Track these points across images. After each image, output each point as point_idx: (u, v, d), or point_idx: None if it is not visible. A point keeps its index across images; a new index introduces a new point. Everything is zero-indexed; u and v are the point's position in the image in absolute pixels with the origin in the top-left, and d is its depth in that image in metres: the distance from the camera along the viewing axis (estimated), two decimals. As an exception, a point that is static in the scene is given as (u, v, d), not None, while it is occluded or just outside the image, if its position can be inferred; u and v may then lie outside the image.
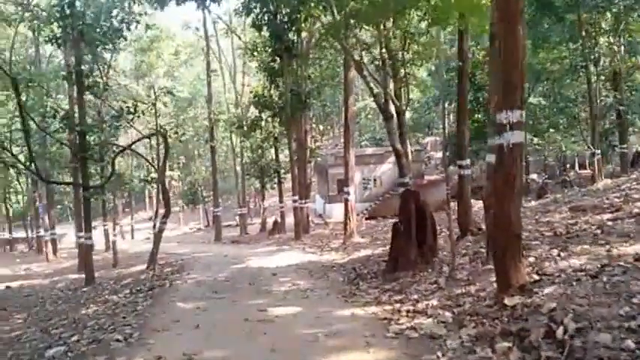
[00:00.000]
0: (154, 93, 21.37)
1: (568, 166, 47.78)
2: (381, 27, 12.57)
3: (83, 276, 17.95)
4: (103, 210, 30.24)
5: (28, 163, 15.87)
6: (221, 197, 47.99)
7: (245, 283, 11.76)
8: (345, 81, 18.74)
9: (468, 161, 13.29)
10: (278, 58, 22.35)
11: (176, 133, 18.90)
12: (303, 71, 23.26)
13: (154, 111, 21.38)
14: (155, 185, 55.52)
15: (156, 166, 19.47)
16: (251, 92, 26.75)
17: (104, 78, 19.91)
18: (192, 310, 8.78)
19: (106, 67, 22.91)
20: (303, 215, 24.60)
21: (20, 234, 49.23)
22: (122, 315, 9.22)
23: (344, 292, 9.29)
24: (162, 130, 17.75)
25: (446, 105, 48.26)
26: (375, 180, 36.94)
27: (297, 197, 23.43)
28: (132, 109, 16.37)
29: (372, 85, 14.58)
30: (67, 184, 26.14)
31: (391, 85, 16.89)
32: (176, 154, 62.04)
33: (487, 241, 8.71)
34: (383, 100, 12.62)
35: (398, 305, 7.37)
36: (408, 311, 6.87)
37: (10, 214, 46.39)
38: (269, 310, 8.04)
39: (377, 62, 16.09)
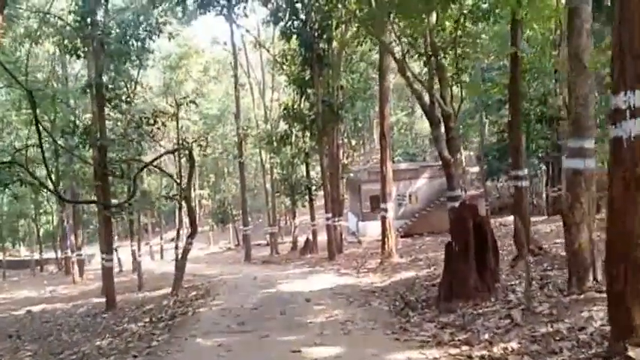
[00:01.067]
0: (176, 103, 20.26)
1: None
2: (427, 19, 11.17)
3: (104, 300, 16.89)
4: (130, 229, 29.37)
5: (48, 182, 14.85)
6: (251, 216, 46.93)
7: (275, 311, 10.38)
8: (381, 89, 17.40)
9: (525, 171, 11.72)
10: (308, 69, 21.16)
11: (200, 146, 17.65)
12: (335, 82, 22.01)
13: (179, 125, 20.34)
14: (183, 203, 55.28)
15: (182, 183, 18.31)
16: (280, 105, 25.57)
17: (130, 94, 18.93)
18: (212, 348, 7.42)
19: (132, 83, 22.04)
20: (336, 234, 23.16)
21: (50, 254, 48.85)
22: (133, 353, 7.93)
23: (392, 326, 7.79)
24: (186, 144, 16.62)
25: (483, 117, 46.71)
26: (410, 196, 35.31)
27: (330, 215, 22.03)
28: (151, 120, 15.29)
29: (415, 86, 13.12)
30: (86, 202, 25.28)
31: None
32: (206, 171, 61.65)
33: (568, 265, 7.18)
34: (428, 103, 11.12)
35: (466, 348, 5.84)
36: (482, 358, 5.37)
37: (40, 235, 46.02)
38: (303, 351, 6.63)
39: (421, 59, 14.47)
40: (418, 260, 17.06)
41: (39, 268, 48.34)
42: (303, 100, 23.03)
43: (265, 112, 35.07)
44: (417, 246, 24.59)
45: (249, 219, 39.71)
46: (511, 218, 35.84)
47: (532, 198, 46.73)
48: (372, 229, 35.77)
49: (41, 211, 45.01)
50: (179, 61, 43.00)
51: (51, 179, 14.50)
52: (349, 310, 9.89)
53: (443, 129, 11.22)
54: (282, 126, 31.20)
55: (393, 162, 50.80)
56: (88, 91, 15.79)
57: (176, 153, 18.60)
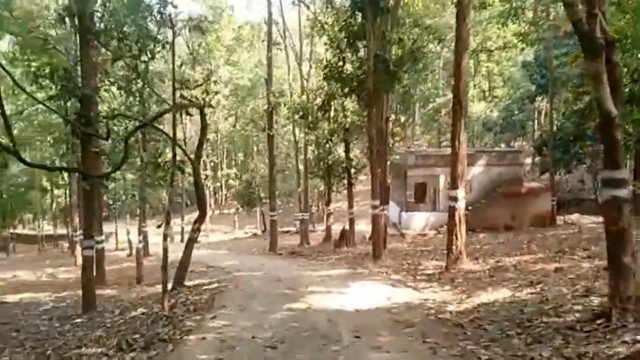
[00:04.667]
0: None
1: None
2: None
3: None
4: (141, 208, 25.63)
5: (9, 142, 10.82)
6: (280, 199, 42.96)
7: (305, 354, 6.21)
8: (459, 32, 12.81)
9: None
10: (359, 14, 16.71)
11: (211, 106, 13.16)
12: (392, 32, 17.46)
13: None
14: (210, 182, 51.49)
15: (190, 153, 14.21)
16: (321, 63, 21.11)
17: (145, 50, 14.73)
18: None
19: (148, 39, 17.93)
20: (382, 226, 18.83)
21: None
22: None
23: None
24: (194, 99, 12.40)
25: (543, 102, 41.49)
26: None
27: (377, 202, 17.62)
28: (146, 51, 11.14)
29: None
30: (57, 169, 21.32)
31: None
32: (234, 150, 57.82)
33: None
34: (585, 26, 6.33)
35: None
36: None
37: (54, 209, 42.99)
38: None
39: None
40: (500, 269, 12.58)
41: (53, 244, 45.41)
42: (351, 54, 18.55)
43: (302, 81, 30.67)
44: (476, 245, 20.07)
45: (278, 203, 35.64)
46: (585, 217, 31.37)
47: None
48: (416, 221, 31.36)
49: (61, 182, 41.89)
50: (209, 25, 38.84)
51: (10, 133, 10.46)
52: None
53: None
54: (320, 99, 27.02)
55: (440, 146, 46.28)
56: (66, 20, 11.64)
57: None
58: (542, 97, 42.03)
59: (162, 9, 12.29)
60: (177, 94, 11.12)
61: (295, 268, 16.67)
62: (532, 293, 9.08)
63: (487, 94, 51.87)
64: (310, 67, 32.23)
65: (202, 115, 12.82)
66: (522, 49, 45.95)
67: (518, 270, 11.81)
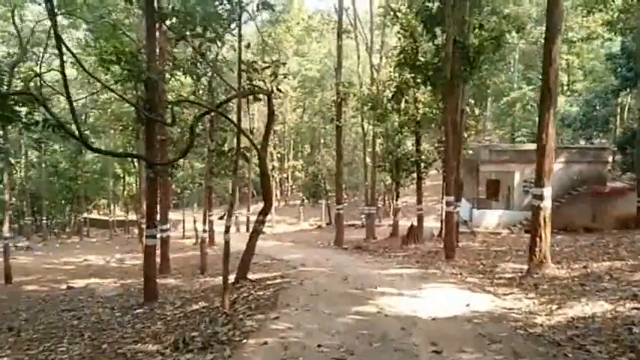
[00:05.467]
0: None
1: None
2: None
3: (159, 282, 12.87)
4: (208, 197, 25.54)
5: (71, 124, 10.63)
6: (346, 192, 42.27)
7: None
8: (551, 14, 11.55)
9: None
10: (437, -2, 15.63)
11: (279, 90, 12.46)
12: (471, 18, 16.24)
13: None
14: (276, 173, 51.42)
15: (257, 143, 13.67)
16: (393, 50, 20.09)
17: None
18: None
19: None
20: (454, 223, 17.73)
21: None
22: None
23: None
24: (260, 86, 11.77)
25: (627, 97, 38.56)
26: (540, 183, 28.77)
27: (451, 198, 16.52)
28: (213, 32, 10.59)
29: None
30: (121, 155, 21.26)
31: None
32: (301, 141, 57.57)
33: None
34: None
35: None
36: None
37: (125, 195, 44.12)
38: None
39: None
40: (590, 276, 11.32)
41: (124, 230, 46.64)
42: (427, 41, 17.47)
43: (372, 71, 29.72)
44: (556, 248, 18.54)
45: (344, 196, 34.94)
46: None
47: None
48: (488, 219, 29.85)
49: (132, 170, 42.90)
50: (279, 15, 38.52)
51: (76, 122, 10.23)
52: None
53: None
54: (390, 90, 26.07)
55: (514, 141, 44.12)
56: (133, 1, 11.28)
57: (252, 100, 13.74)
58: (627, 91, 39.22)
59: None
60: (244, 78, 10.55)
61: (362, 265, 15.90)
62: (637, 309, 7.90)
63: (566, 88, 49.00)
64: (381, 57, 31.20)
65: (270, 101, 12.22)
66: (606, 40, 43.25)
67: (614, 279, 10.52)
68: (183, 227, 38.31)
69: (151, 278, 11.92)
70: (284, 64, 12.49)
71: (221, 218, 16.79)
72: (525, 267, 13.99)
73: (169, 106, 12.06)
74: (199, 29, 10.56)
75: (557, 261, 14.06)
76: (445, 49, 15.25)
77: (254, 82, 11.83)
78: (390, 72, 24.02)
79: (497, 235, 26.90)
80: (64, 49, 10.07)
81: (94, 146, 32.50)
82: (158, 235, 14.19)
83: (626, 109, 46.93)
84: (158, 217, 23.63)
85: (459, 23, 15.54)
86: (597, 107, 43.50)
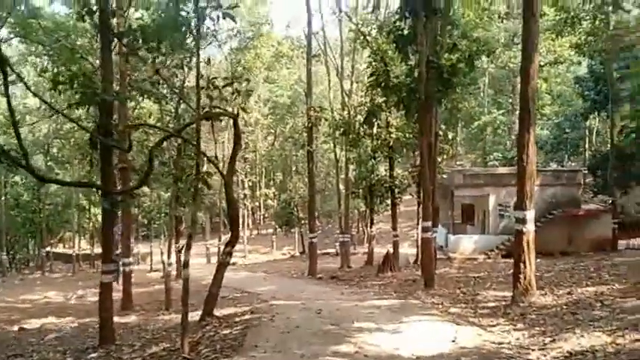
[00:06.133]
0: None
1: None
2: None
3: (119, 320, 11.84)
4: (175, 228, 24.43)
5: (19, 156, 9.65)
6: (319, 220, 41.48)
7: None
8: (527, 30, 11.08)
9: None
10: (410, 16, 15.12)
11: (243, 110, 11.67)
12: (445, 37, 15.87)
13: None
14: (248, 201, 50.34)
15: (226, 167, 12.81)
16: (365, 71, 19.62)
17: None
18: None
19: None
20: (433, 250, 17.05)
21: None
22: None
23: None
24: (224, 109, 10.99)
25: (595, 120, 38.87)
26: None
27: (429, 224, 15.84)
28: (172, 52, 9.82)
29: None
30: (74, 184, 20.24)
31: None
32: (272, 169, 56.73)
33: None
34: None
35: None
36: None
37: (91, 228, 42.55)
38: None
39: None
40: (580, 304, 10.68)
41: (89, 264, 44.85)
42: (399, 61, 17.02)
43: (343, 96, 29.27)
44: (535, 272, 17.94)
45: (317, 224, 34.11)
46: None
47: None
48: (464, 244, 29.39)
49: (98, 201, 41.37)
50: (248, 41, 38.09)
51: (22, 148, 9.32)
52: None
53: None
54: (362, 115, 25.66)
55: (486, 165, 44.05)
56: (86, 18, 10.45)
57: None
58: (595, 114, 39.67)
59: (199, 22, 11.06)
60: (206, 99, 9.77)
61: (337, 296, 15.04)
62: (639, 340, 7.24)
63: (535, 112, 49.48)
64: (352, 83, 30.83)
65: (235, 125, 11.46)
66: (573, 65, 43.87)
67: (606, 306, 9.90)
68: (151, 260, 36.93)
69: (107, 319, 10.88)
70: (247, 80, 11.74)
71: (179, 251, 15.74)
72: (508, 294, 13.37)
73: (128, 130, 11.19)
74: (154, 44, 9.75)
75: (540, 287, 13.43)
76: (419, 68, 14.76)
77: (219, 105, 11.11)
78: (362, 96, 23.57)
79: (474, 261, 26.40)
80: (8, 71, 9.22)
81: (59, 178, 31.25)
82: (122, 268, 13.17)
83: (595, 132, 47.53)
84: (119, 250, 22.49)
85: (431, 43, 15.13)
86: (567, 130, 43.95)
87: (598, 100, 34.78)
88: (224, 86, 9.82)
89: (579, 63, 38.19)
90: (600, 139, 48.17)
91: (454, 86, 16.61)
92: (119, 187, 14.74)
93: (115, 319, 15.57)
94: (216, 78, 9.85)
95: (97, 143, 10.56)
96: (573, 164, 45.37)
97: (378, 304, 12.61)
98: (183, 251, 8.95)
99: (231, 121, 11.62)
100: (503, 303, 12.08)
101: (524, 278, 11.60)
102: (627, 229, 31.74)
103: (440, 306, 12.38)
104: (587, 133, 45.91)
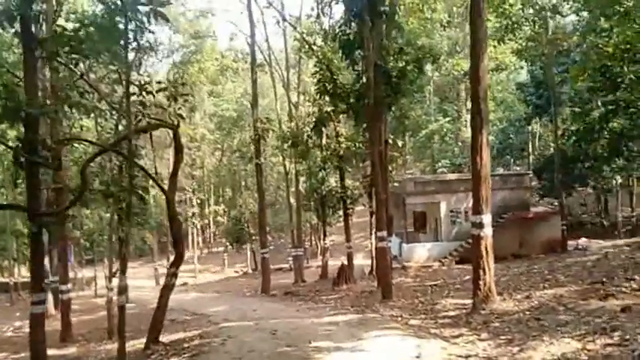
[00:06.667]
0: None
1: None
2: None
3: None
4: (120, 249, 23.10)
5: None
6: (271, 235, 40.63)
7: None
8: (474, 32, 10.85)
9: None
10: (355, 20, 14.73)
11: (180, 117, 10.92)
12: (391, 40, 15.55)
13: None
14: (197, 220, 48.93)
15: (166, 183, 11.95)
16: (313, 77, 19.11)
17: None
18: None
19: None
20: (389, 260, 16.61)
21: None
22: None
23: None
24: (163, 120, 10.23)
25: (537, 125, 39.76)
26: (466, 212, 28.64)
27: (384, 233, 15.38)
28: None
29: None
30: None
31: None
32: (221, 185, 55.50)
33: None
34: None
35: None
36: None
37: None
38: None
39: None
40: (542, 308, 10.38)
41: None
42: (346, 66, 16.59)
43: (290, 107, 28.74)
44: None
45: (269, 239, 33.30)
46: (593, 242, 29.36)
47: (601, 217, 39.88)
48: (418, 252, 29.17)
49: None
50: (190, 55, 37.15)
51: None
52: None
53: None
54: (309, 126, 25.21)
55: (435, 173, 44.31)
56: (6, 25, 9.52)
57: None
58: (537, 119, 40.57)
59: (138, 36, 10.27)
60: (141, 106, 9.00)
61: (293, 314, 14.35)
62: (611, 345, 6.89)
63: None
64: (298, 94, 30.36)
65: (176, 135, 10.69)
66: (515, 70, 44.91)
67: (570, 309, 9.62)
68: (95, 285, 35.17)
69: (40, 354, 9.82)
70: (183, 84, 10.98)
71: (113, 276, 14.65)
72: (467, 301, 13.06)
73: (59, 147, 10.24)
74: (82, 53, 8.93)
75: (498, 292, 13.13)
76: (366, 74, 14.36)
77: (157, 118, 10.33)
78: (309, 106, 23.09)
79: (428, 269, 26.20)
80: None
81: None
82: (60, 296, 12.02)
83: (537, 136, 48.64)
84: (53, 277, 21.09)
85: (378, 47, 14.76)
86: (511, 135, 44.82)
87: (540, 105, 35.57)
88: (158, 91, 9.05)
89: (520, 68, 39.05)
90: (542, 143, 49.35)
91: (403, 91, 16.33)
92: (55, 208, 13.65)
93: (53, 351, 14.57)
94: (148, 83, 9.06)
95: (21, 161, 9.58)
96: (518, 168, 46.28)
97: (335, 320, 12.00)
98: (117, 275, 8.11)
99: (174, 142, 10.85)
100: (464, 311, 11.71)
101: (484, 284, 11.24)
102: (574, 230, 32.44)
103: (399, 318, 11.91)
104: (531, 138, 46.92)
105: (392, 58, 15.82)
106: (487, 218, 11.32)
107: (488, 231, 11.35)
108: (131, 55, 10.62)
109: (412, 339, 9.15)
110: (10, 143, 10.51)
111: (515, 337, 8.40)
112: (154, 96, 9.09)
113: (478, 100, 11.18)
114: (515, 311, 10.52)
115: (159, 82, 10.35)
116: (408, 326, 10.69)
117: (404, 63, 15.79)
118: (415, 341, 8.92)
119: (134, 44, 10.54)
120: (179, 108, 10.12)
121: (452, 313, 11.93)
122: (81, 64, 10.80)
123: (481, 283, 11.29)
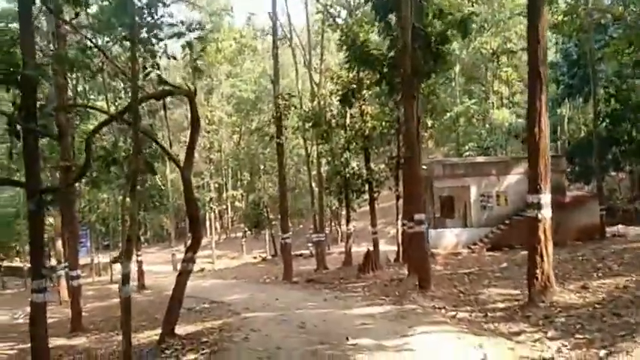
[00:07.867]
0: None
1: None
2: None
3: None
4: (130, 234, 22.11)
5: None
6: (291, 220, 39.48)
7: None
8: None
9: None
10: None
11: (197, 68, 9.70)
12: (430, 1, 14.00)
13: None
14: (214, 204, 47.94)
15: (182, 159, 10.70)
16: (342, 38, 17.59)
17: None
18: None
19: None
20: (424, 246, 15.19)
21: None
22: None
23: None
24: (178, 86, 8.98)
25: (566, 107, 37.84)
26: (498, 197, 27.14)
27: (422, 216, 13.97)
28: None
29: None
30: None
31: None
32: (239, 169, 54.37)
33: None
34: None
35: None
36: None
37: (46, 239, 39.55)
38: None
39: None
40: (613, 302, 8.97)
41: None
42: (381, 30, 15.09)
43: (312, 86, 27.35)
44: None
45: (289, 224, 32.13)
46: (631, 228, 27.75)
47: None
48: (447, 239, 27.75)
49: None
50: (208, 34, 35.74)
51: None
52: None
53: None
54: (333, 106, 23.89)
55: (460, 156, 42.73)
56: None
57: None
58: (568, 101, 38.68)
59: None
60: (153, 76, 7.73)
61: (320, 304, 13.08)
62: None
63: (507, 100, 48.41)
64: (321, 72, 28.89)
65: (192, 105, 9.40)
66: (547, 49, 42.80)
67: (626, 293, 8.22)
68: (111, 270, 34.40)
69: (41, 349, 8.67)
70: (200, 37, 9.70)
71: (115, 261, 13.54)
72: (514, 292, 11.78)
73: (68, 112, 9.01)
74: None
75: (561, 282, 11.77)
76: (403, 38, 12.87)
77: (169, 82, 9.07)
78: (335, 82, 21.67)
79: (457, 256, 24.83)
80: None
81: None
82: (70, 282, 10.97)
83: (566, 119, 46.70)
84: (62, 262, 20.04)
85: (416, 9, 13.26)
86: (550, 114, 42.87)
87: (573, 85, 33.76)
88: (170, 37, 7.76)
89: (552, 48, 37.08)
90: (573, 127, 47.37)
91: (445, 58, 14.81)
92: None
93: (62, 341, 13.58)
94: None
95: (17, 130, 8.38)
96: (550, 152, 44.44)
97: (370, 312, 10.71)
98: (121, 261, 6.89)
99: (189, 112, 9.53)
100: (516, 303, 10.37)
101: (542, 273, 9.87)
102: (615, 216, 30.76)
103: (442, 310, 10.58)
104: (560, 120, 45.00)
105: (431, 20, 14.28)
106: (546, 198, 9.95)
107: (547, 212, 9.98)
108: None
109: (469, 336, 7.83)
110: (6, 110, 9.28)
111: (595, 336, 7.03)
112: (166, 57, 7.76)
113: (537, 62, 9.71)
114: (582, 304, 9.14)
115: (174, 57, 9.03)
116: (457, 321, 9.36)
117: (447, 24, 14.25)
118: (473, 339, 7.60)
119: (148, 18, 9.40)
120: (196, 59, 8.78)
121: (501, 305, 10.58)
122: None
123: (538, 271, 9.91)
